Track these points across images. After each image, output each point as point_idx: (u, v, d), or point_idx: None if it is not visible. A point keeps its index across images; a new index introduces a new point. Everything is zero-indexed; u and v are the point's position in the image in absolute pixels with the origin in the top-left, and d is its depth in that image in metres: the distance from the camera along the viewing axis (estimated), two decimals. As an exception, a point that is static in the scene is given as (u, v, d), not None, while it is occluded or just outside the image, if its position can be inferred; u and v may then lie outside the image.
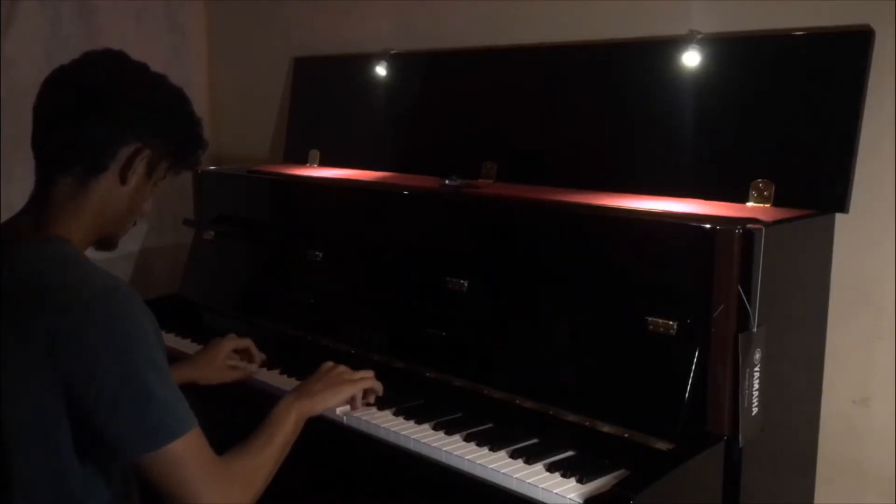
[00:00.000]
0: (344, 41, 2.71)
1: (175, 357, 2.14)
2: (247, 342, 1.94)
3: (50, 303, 1.22)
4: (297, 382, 1.84)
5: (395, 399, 1.75)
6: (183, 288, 2.45)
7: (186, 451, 1.24)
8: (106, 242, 1.43)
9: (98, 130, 1.32)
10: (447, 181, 2.01)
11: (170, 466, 1.23)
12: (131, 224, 1.45)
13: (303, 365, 1.88)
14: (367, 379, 1.70)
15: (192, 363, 1.86)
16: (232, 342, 1.92)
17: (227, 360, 1.90)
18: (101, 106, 1.33)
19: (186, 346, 2.19)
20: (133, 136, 1.34)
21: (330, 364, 1.70)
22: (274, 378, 1.92)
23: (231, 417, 1.81)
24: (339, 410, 1.68)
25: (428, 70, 2.42)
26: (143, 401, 1.21)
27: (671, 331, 1.47)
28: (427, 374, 1.79)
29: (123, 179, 1.35)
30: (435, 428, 1.63)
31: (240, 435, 1.41)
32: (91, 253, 1.38)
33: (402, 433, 1.61)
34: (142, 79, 1.39)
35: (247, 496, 1.33)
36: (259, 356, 1.95)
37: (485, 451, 1.54)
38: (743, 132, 1.82)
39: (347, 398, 1.67)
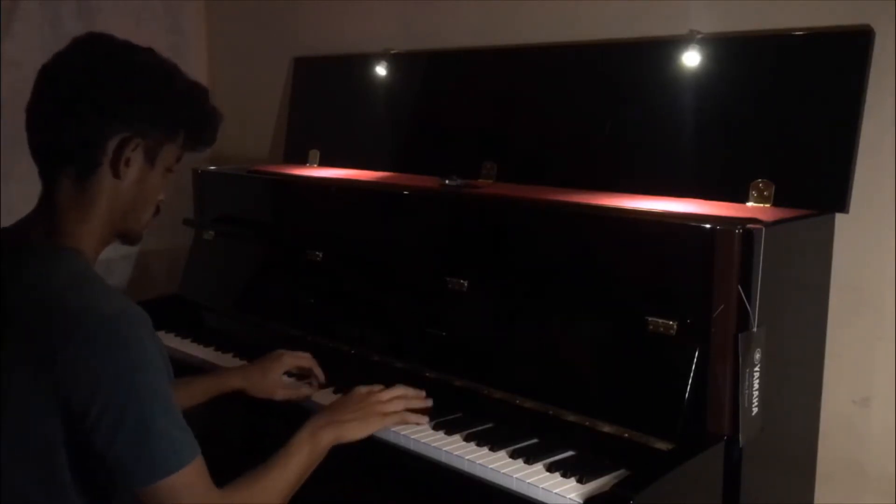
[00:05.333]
0: (344, 41, 2.71)
1: (176, 358, 2.16)
2: (308, 361, 1.82)
3: (54, 326, 1.17)
4: (297, 382, 1.86)
5: (395, 399, 1.75)
6: (183, 288, 2.45)
7: (184, 485, 1.19)
8: (126, 237, 1.37)
9: (78, 127, 1.25)
10: (447, 181, 2.01)
11: (167, 499, 1.19)
12: (149, 215, 1.37)
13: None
14: (398, 414, 1.60)
15: (245, 374, 1.77)
16: (291, 359, 1.80)
17: (285, 377, 1.80)
18: (78, 100, 1.25)
19: (187, 346, 2.19)
20: (117, 127, 1.26)
21: (364, 391, 1.61)
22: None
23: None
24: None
25: (428, 70, 2.42)
26: (142, 432, 1.17)
27: (671, 331, 1.47)
28: (427, 374, 1.79)
29: (116, 173, 1.28)
30: (435, 428, 1.63)
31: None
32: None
33: (402, 433, 1.61)
34: (120, 64, 1.28)
35: None
36: (320, 376, 1.81)
37: (485, 451, 1.55)
38: (743, 132, 1.82)
39: (375, 430, 1.57)
